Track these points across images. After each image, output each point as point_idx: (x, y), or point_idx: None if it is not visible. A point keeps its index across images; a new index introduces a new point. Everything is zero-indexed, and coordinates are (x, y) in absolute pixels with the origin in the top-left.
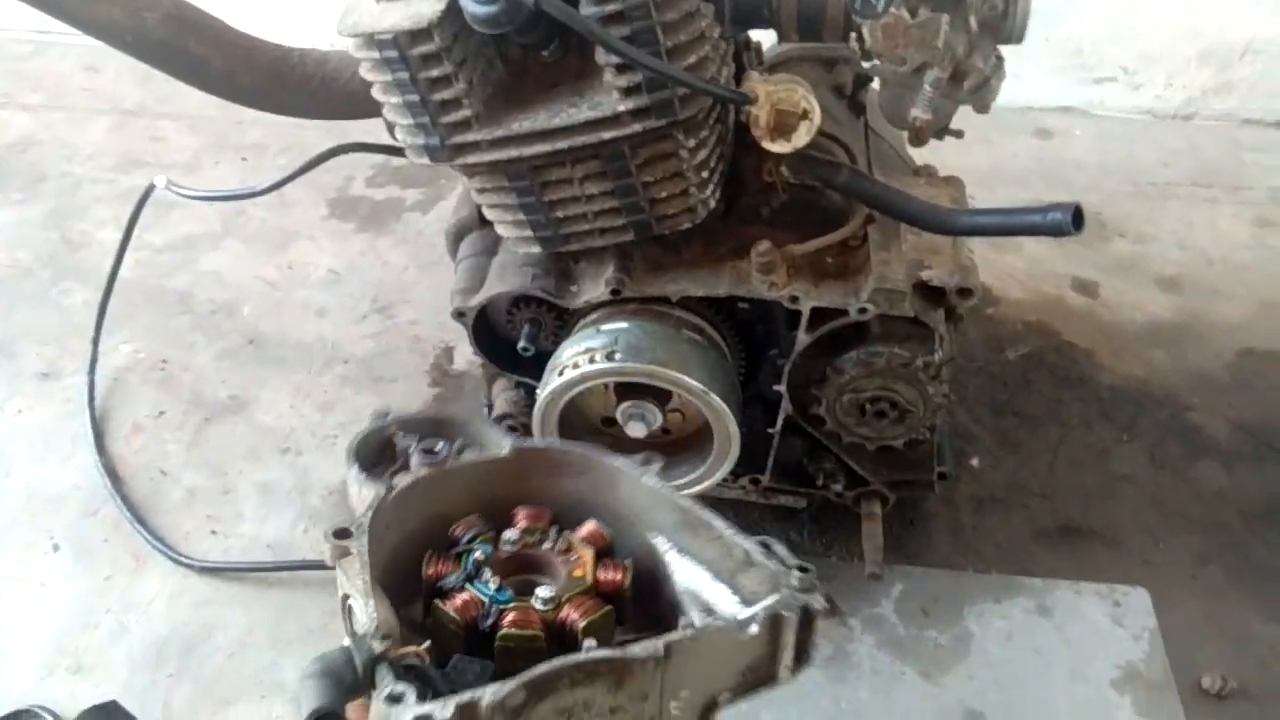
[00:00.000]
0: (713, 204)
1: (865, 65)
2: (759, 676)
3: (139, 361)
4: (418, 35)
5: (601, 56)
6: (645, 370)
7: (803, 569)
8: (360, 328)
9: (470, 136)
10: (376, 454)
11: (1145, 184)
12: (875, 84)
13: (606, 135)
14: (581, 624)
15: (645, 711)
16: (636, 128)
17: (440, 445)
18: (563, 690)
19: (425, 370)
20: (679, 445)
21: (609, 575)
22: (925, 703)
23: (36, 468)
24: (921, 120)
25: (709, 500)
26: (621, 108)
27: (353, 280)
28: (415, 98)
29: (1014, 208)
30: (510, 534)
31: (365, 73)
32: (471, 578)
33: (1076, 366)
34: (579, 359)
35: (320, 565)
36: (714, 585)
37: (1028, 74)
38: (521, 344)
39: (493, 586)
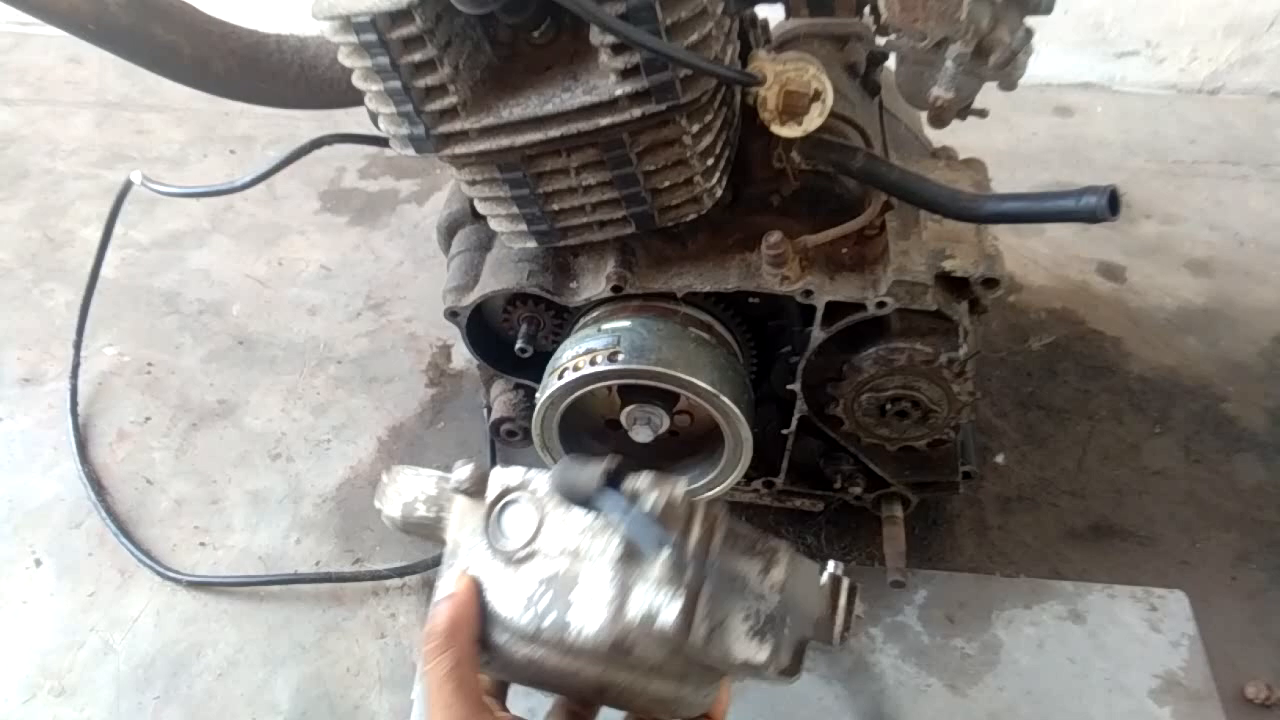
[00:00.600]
0: (719, 193)
1: (881, 41)
2: (823, 633)
3: (124, 365)
4: (398, 17)
5: (596, 36)
6: (651, 372)
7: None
8: (354, 326)
9: (457, 125)
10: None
11: (1171, 162)
12: (891, 62)
13: (603, 121)
14: None
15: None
16: (636, 113)
17: None
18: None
19: (422, 369)
20: (687, 447)
21: None
22: (953, 716)
23: (18, 478)
24: (943, 100)
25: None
26: (619, 91)
27: (345, 276)
28: (397, 84)
29: (1044, 192)
30: None
31: (343, 58)
32: None
33: (1104, 355)
34: (580, 361)
35: (314, 578)
36: None
37: (1047, 49)
38: (519, 344)
39: None
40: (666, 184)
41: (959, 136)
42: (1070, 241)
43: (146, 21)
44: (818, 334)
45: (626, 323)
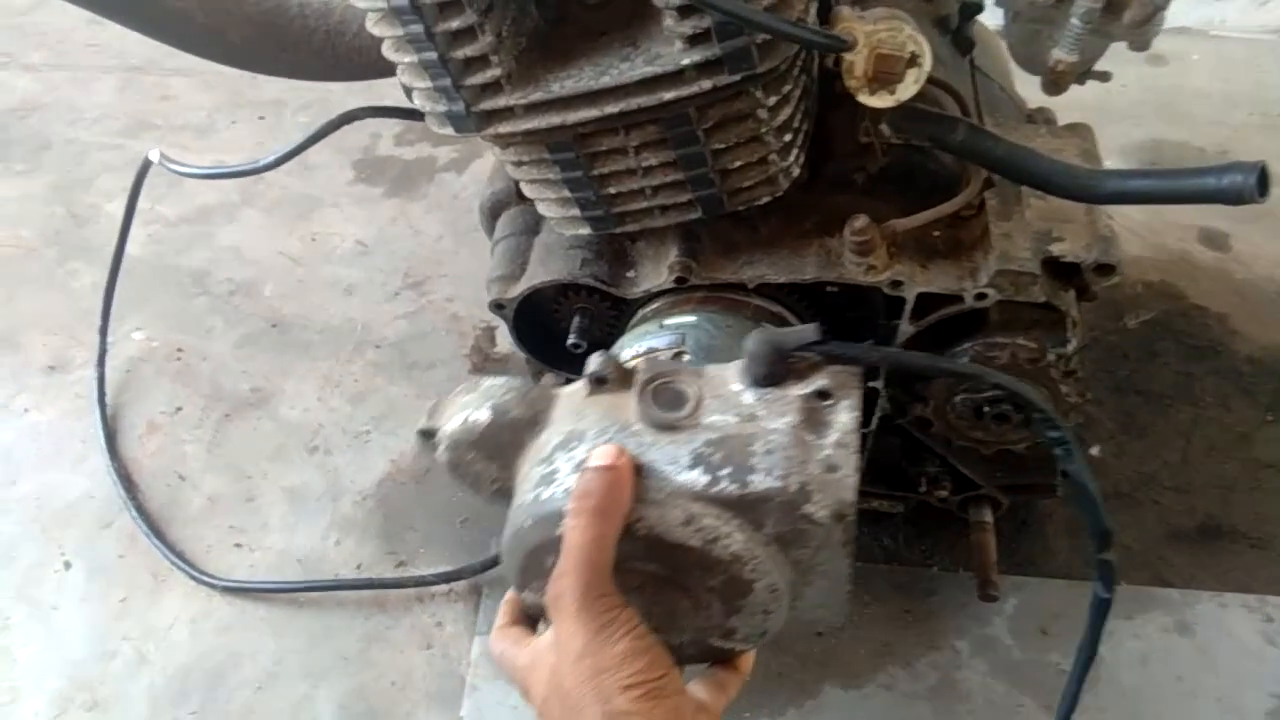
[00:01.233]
0: (796, 172)
1: None
2: None
3: (153, 351)
4: None
5: None
6: None
7: None
8: (392, 306)
9: (501, 101)
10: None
11: (1276, 115)
12: (987, 17)
13: (668, 95)
14: None
15: None
16: (705, 85)
17: None
18: None
19: (465, 354)
20: None
21: None
22: None
23: (46, 474)
24: (1065, 63)
25: None
26: (686, 61)
27: (382, 252)
28: (433, 55)
29: (1176, 169)
30: None
31: (373, 26)
32: None
33: (1208, 334)
34: (639, 362)
35: (357, 584)
36: None
37: None
38: (572, 339)
39: None
40: (738, 164)
41: (1035, 90)
42: (1166, 206)
43: None
44: (906, 328)
45: (691, 318)
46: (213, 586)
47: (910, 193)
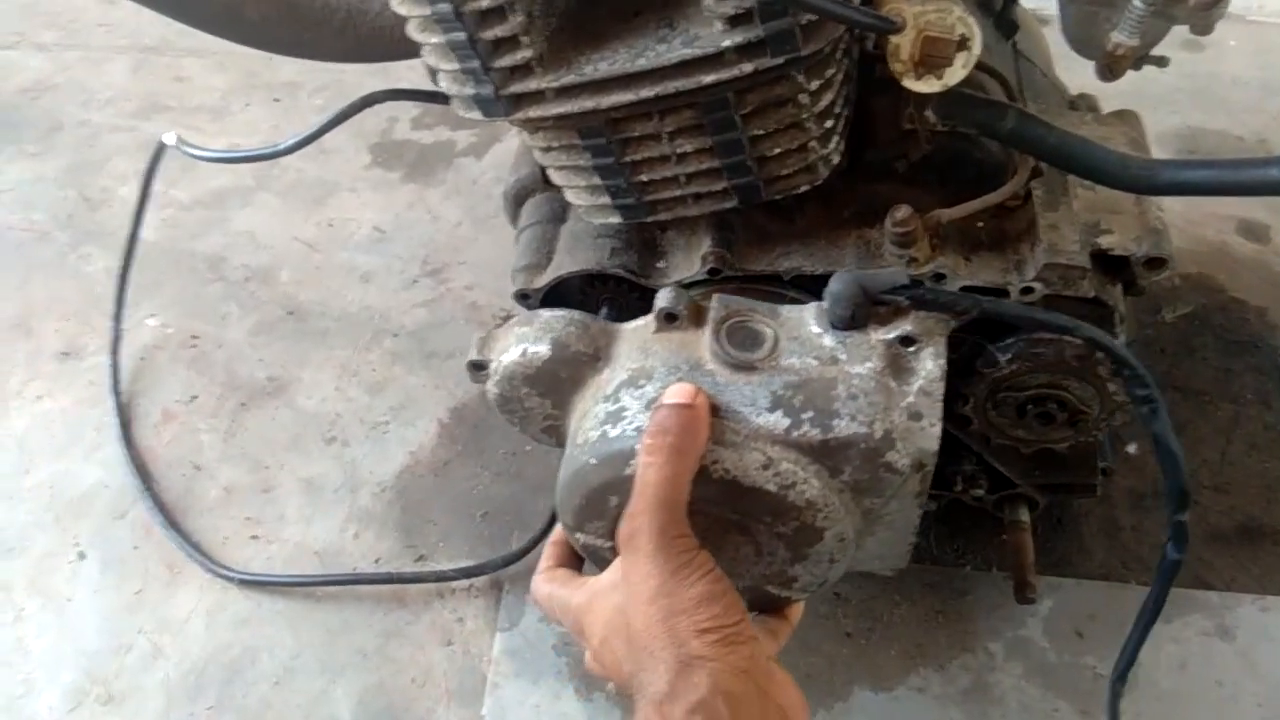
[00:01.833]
0: (836, 160)
1: None
2: None
3: (168, 338)
4: None
5: None
6: None
7: None
8: (410, 294)
9: (532, 84)
10: None
11: None
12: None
13: (707, 79)
14: None
15: None
16: (747, 68)
17: None
18: None
19: None
20: None
21: None
22: None
23: (59, 462)
24: (1125, 47)
25: None
26: (727, 43)
27: (400, 239)
28: (461, 36)
29: (1233, 159)
30: None
31: (398, 5)
32: None
33: (1247, 328)
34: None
35: (375, 579)
36: None
37: None
38: None
39: None
40: (777, 151)
41: (1072, 77)
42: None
43: None
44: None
45: None
46: (229, 579)
47: (953, 182)
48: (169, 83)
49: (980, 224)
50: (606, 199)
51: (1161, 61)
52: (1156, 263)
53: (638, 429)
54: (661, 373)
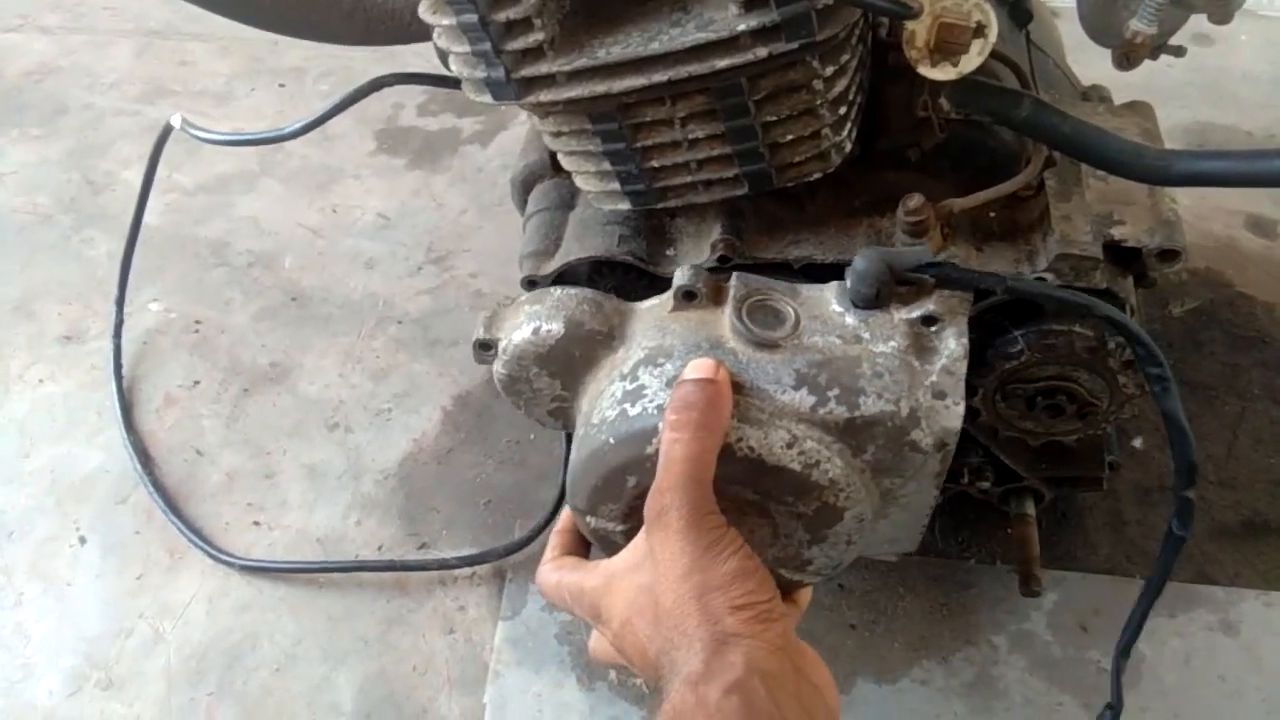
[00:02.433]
0: (848, 147)
1: None
2: None
3: (170, 322)
4: None
5: None
6: None
7: None
8: (414, 281)
9: (544, 68)
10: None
11: None
12: None
13: (721, 63)
14: None
15: None
16: (761, 53)
17: None
18: None
19: None
20: None
21: None
22: None
23: (60, 446)
24: (1143, 35)
25: None
26: (742, 27)
27: (405, 226)
28: (473, 18)
29: (1253, 150)
30: None
31: None
32: None
33: (1255, 323)
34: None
35: (378, 566)
36: None
37: None
38: None
39: None
40: (789, 137)
41: (1082, 71)
42: (1213, 191)
43: None
44: None
45: None
46: (230, 565)
47: (965, 171)
48: (173, 67)
49: (992, 214)
50: (616, 185)
51: (1179, 51)
52: (1169, 255)
53: (659, 407)
54: (681, 350)
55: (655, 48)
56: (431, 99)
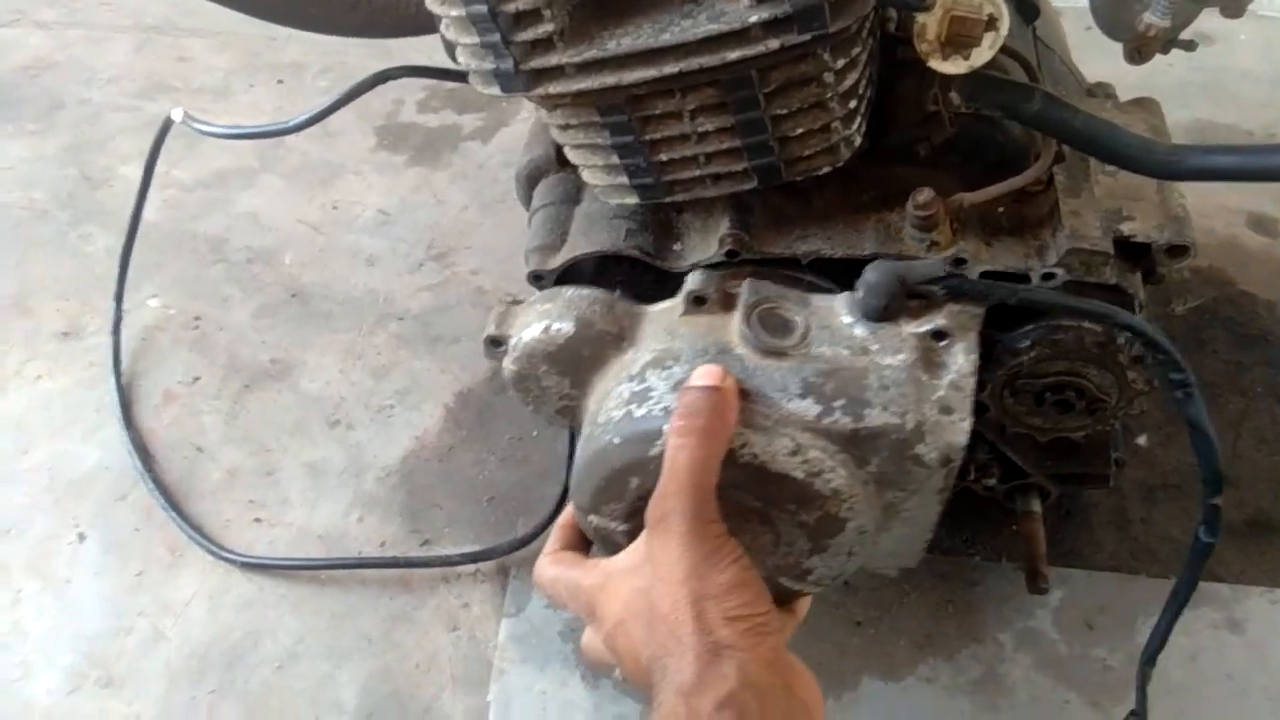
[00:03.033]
0: (858, 141)
1: None
2: None
3: (169, 319)
4: None
5: None
6: None
7: None
8: (415, 278)
9: (553, 59)
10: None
11: None
12: None
13: (732, 55)
14: None
15: None
16: (773, 44)
17: None
18: None
19: None
20: None
21: None
22: None
23: (59, 443)
24: (1156, 28)
25: None
26: (754, 18)
27: (405, 222)
28: (482, 9)
29: (1264, 145)
30: None
31: None
32: None
33: (1258, 322)
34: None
35: (380, 563)
36: None
37: None
38: None
39: None
40: (799, 131)
41: (1083, 69)
42: (1214, 188)
43: None
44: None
45: None
46: (231, 562)
47: (975, 165)
48: (172, 63)
49: (1001, 209)
50: (624, 179)
51: (1190, 45)
52: (1178, 250)
53: (665, 409)
54: (689, 354)
55: (666, 39)
56: (432, 95)
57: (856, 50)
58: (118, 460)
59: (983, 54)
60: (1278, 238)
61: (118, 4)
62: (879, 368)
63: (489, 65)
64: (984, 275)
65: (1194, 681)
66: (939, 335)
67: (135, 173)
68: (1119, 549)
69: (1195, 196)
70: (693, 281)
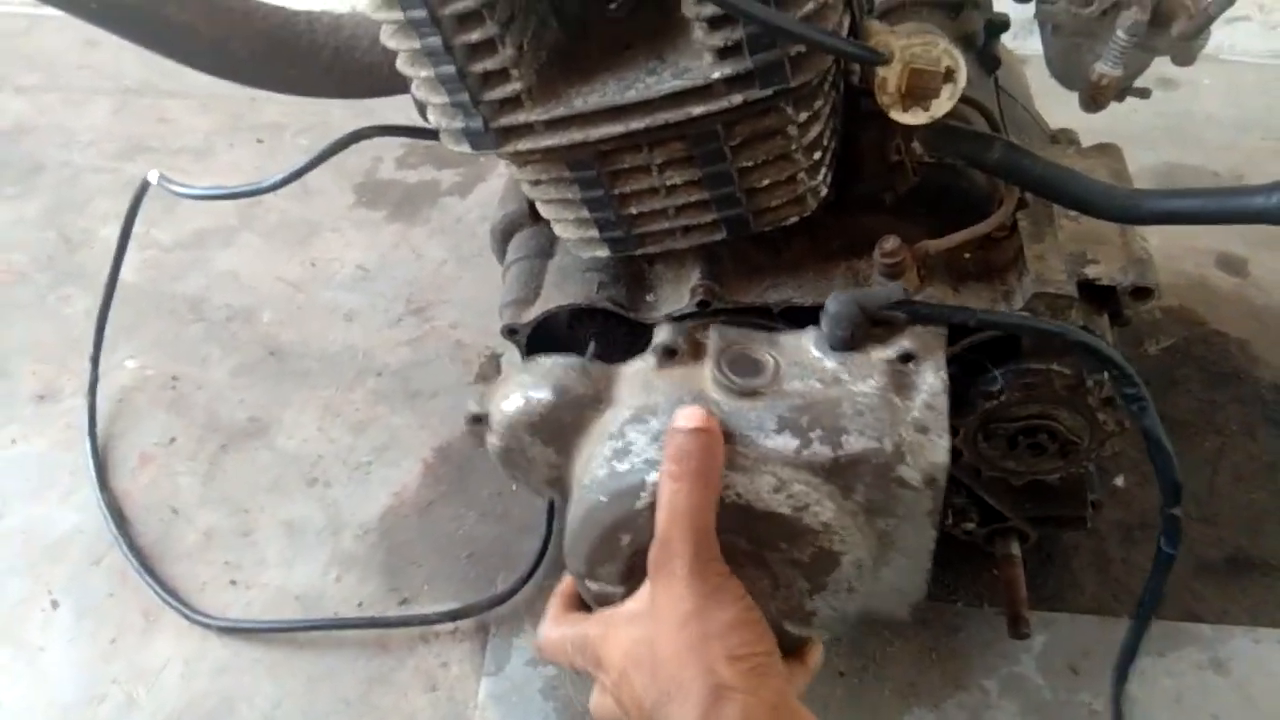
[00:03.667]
0: (824, 192)
1: (1043, 5)
2: None
3: (146, 380)
4: None
5: (690, 7)
6: None
7: None
8: (394, 333)
9: (521, 117)
10: None
11: None
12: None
13: (696, 110)
14: None
15: None
16: (736, 99)
17: None
18: None
19: (469, 381)
20: None
21: None
22: None
23: (33, 507)
24: (1109, 77)
25: None
26: (716, 74)
27: (384, 278)
28: (451, 69)
29: (1221, 188)
30: None
31: (387, 39)
32: None
33: (1230, 361)
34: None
35: (358, 623)
36: None
37: None
38: None
39: None
40: (766, 182)
41: (1049, 116)
42: (1184, 230)
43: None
44: None
45: None
46: (207, 626)
47: (940, 213)
48: (152, 124)
49: (967, 255)
50: (595, 232)
51: (1144, 93)
52: (1143, 292)
53: (646, 461)
54: (665, 406)
55: (632, 96)
56: (410, 151)
57: (819, 103)
58: (93, 524)
59: (942, 105)
60: (1247, 277)
61: (97, 67)
62: (852, 395)
63: (459, 124)
64: None
65: None
66: (907, 358)
67: (114, 234)
68: (1100, 591)
69: (1164, 238)
70: (661, 334)
